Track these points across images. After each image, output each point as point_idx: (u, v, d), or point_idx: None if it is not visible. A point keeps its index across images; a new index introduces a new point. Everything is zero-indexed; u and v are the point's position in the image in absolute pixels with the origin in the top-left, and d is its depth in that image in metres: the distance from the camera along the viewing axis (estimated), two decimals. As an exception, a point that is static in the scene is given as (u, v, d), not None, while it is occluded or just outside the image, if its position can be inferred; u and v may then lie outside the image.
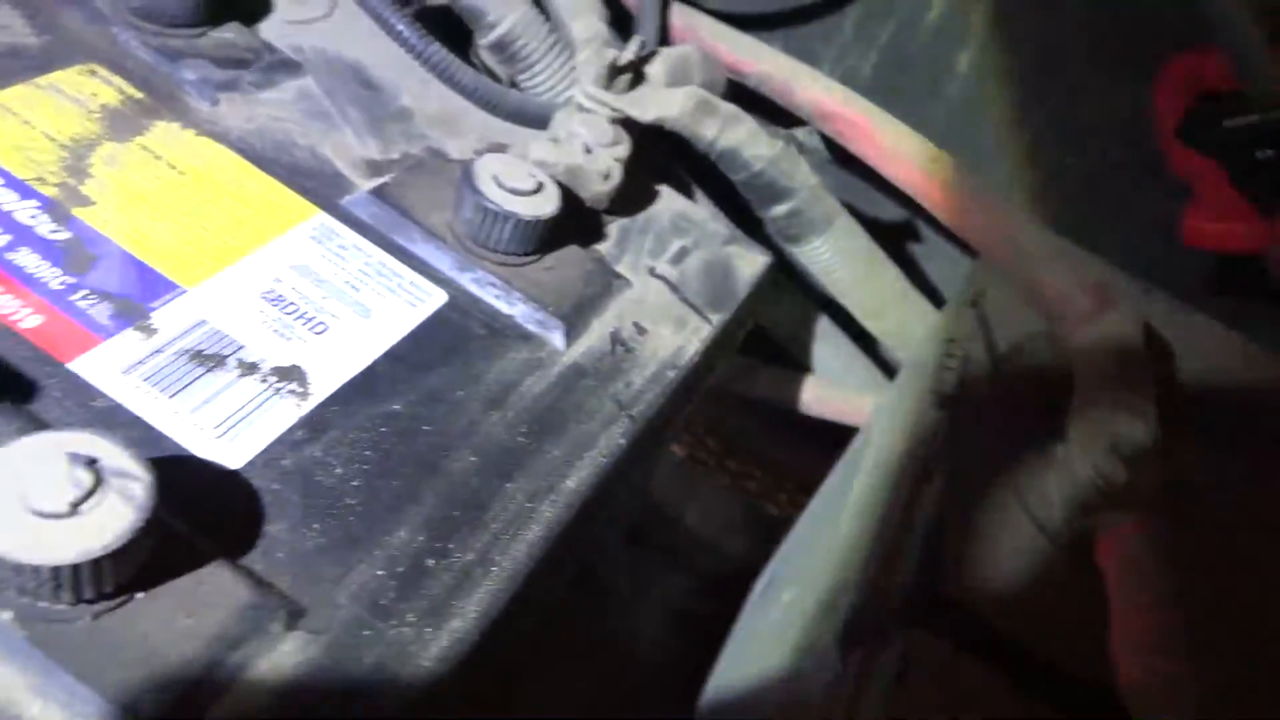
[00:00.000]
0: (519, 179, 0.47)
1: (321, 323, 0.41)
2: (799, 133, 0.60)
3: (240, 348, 0.39)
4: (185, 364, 0.37)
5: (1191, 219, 0.62)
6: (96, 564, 0.27)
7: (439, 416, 0.40)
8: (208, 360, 0.38)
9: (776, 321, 0.75)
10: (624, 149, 0.53)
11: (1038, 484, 0.43)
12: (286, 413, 0.38)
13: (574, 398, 0.44)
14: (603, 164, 0.52)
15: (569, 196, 0.49)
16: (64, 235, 0.39)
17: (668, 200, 0.59)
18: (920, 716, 0.33)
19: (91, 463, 0.28)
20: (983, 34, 0.75)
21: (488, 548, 0.37)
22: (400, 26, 0.53)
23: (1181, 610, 0.38)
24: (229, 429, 0.36)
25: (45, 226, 0.39)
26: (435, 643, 0.34)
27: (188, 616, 0.30)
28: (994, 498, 0.44)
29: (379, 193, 0.47)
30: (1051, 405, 0.45)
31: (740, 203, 0.64)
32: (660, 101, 0.55)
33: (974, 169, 0.60)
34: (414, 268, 0.46)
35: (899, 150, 0.56)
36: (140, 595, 0.30)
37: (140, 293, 0.39)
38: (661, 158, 0.65)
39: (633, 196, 0.56)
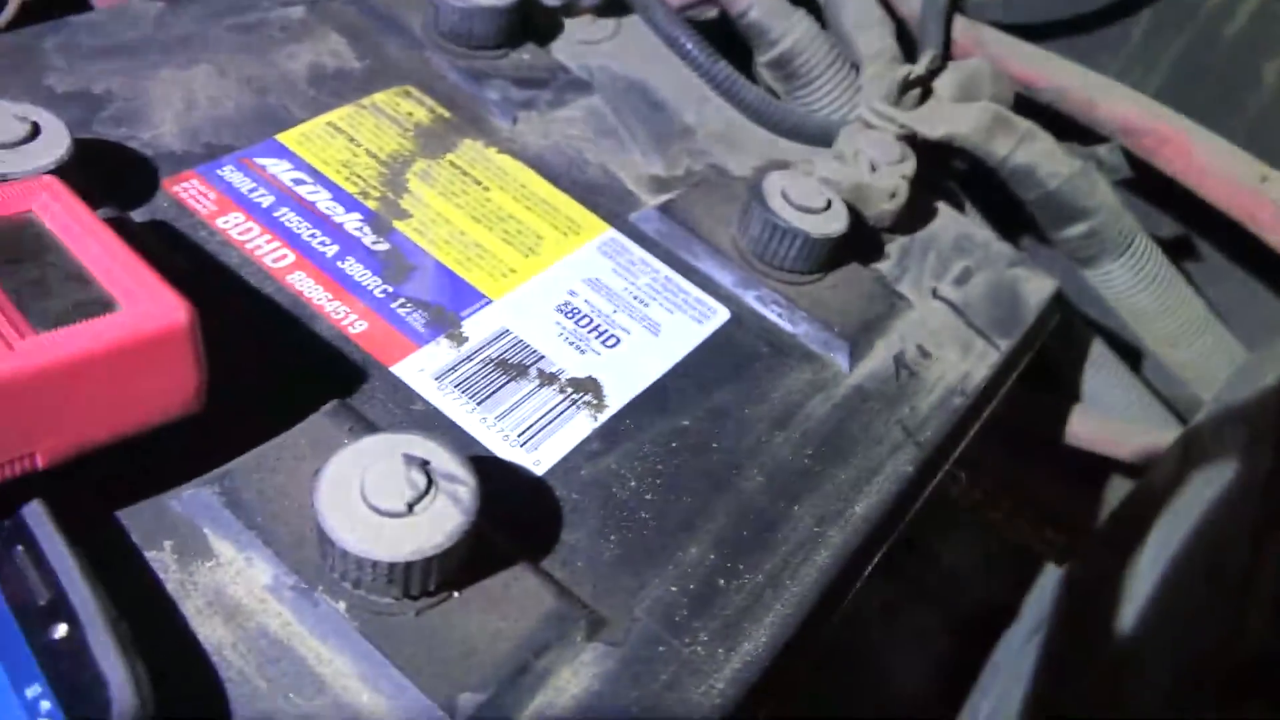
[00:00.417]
0: (808, 196, 0.46)
1: (614, 336, 0.42)
2: (1100, 150, 0.57)
3: (541, 358, 0.40)
4: (491, 372, 0.39)
5: None
6: (428, 563, 0.28)
7: (726, 434, 0.40)
8: (511, 369, 0.39)
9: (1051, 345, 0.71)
10: (910, 166, 0.52)
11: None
12: (583, 423, 0.38)
13: (859, 421, 0.43)
14: (889, 182, 0.50)
15: (853, 215, 0.48)
16: (384, 246, 0.42)
17: (947, 219, 0.57)
18: None
19: (424, 464, 0.29)
20: (1298, 40, 0.68)
21: (778, 571, 0.36)
22: (689, 45, 0.53)
23: None
24: (531, 437, 0.37)
25: (369, 238, 0.42)
26: (728, 664, 0.33)
27: (500, 619, 0.31)
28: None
29: (665, 209, 0.48)
30: None
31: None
32: (951, 118, 0.53)
33: None
34: (698, 284, 0.46)
35: (1222, 169, 0.51)
36: (457, 595, 0.31)
37: (451, 302, 0.41)
38: (941, 175, 0.63)
39: (914, 215, 0.54)
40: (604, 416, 0.39)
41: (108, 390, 0.28)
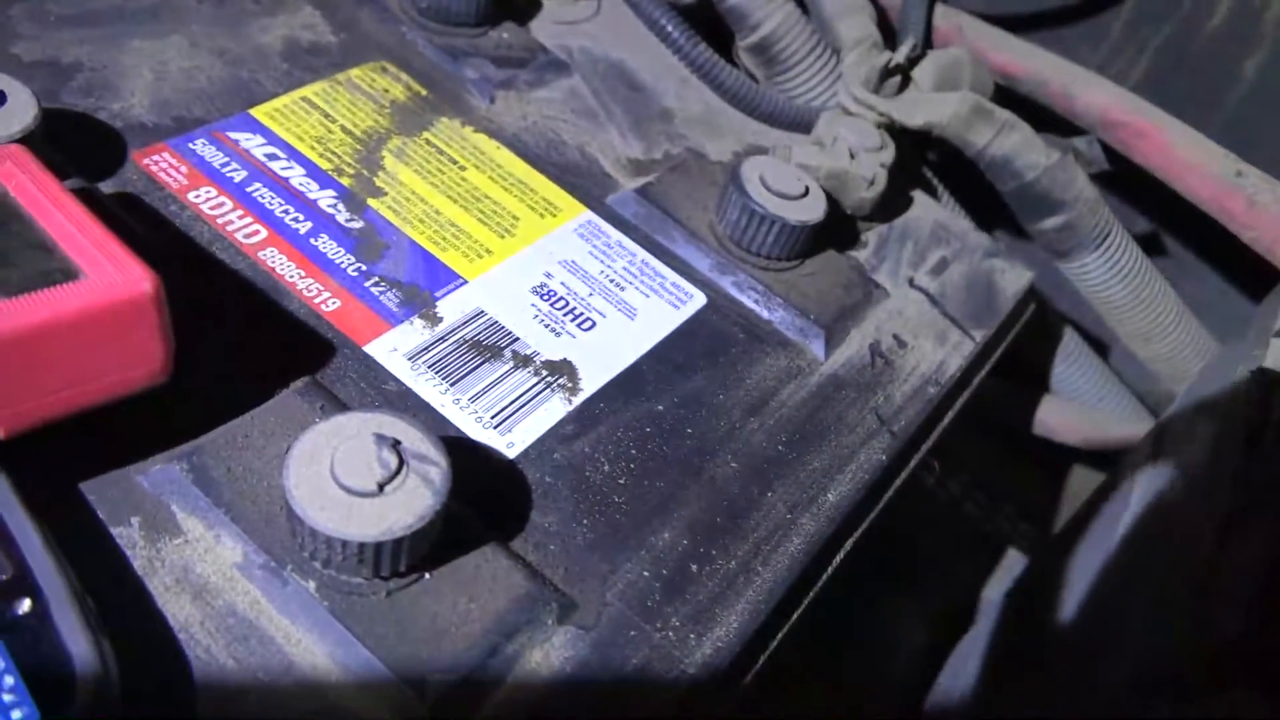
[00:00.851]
0: (786, 182, 0.46)
1: (589, 319, 0.42)
2: (1078, 142, 0.57)
3: (515, 340, 0.40)
4: (465, 353, 0.38)
5: None
6: (398, 543, 0.28)
7: (700, 419, 0.40)
8: (485, 351, 0.39)
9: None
10: (889, 154, 0.52)
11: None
12: (557, 406, 0.38)
13: (834, 409, 0.43)
14: (867, 170, 0.50)
15: (831, 202, 0.48)
16: (358, 224, 0.41)
17: (925, 208, 0.57)
18: None
19: (395, 444, 0.29)
20: (1278, 37, 0.68)
21: (749, 557, 0.36)
22: (670, 27, 0.53)
23: None
24: (504, 419, 0.37)
25: (343, 215, 0.41)
26: (699, 649, 0.33)
27: (471, 601, 0.30)
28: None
29: (643, 192, 0.48)
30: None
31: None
32: (931, 106, 0.53)
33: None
34: (674, 268, 0.46)
35: (1197, 163, 0.52)
36: (428, 576, 0.30)
37: (426, 282, 0.40)
38: (919, 164, 0.63)
39: (891, 204, 0.54)
40: (578, 400, 0.39)
41: (70, 360, 0.27)
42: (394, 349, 0.37)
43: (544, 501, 0.35)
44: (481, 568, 0.31)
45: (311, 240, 0.40)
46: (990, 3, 0.70)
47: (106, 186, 0.39)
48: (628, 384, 0.40)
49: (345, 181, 0.43)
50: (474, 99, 0.50)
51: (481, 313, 0.40)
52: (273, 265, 0.38)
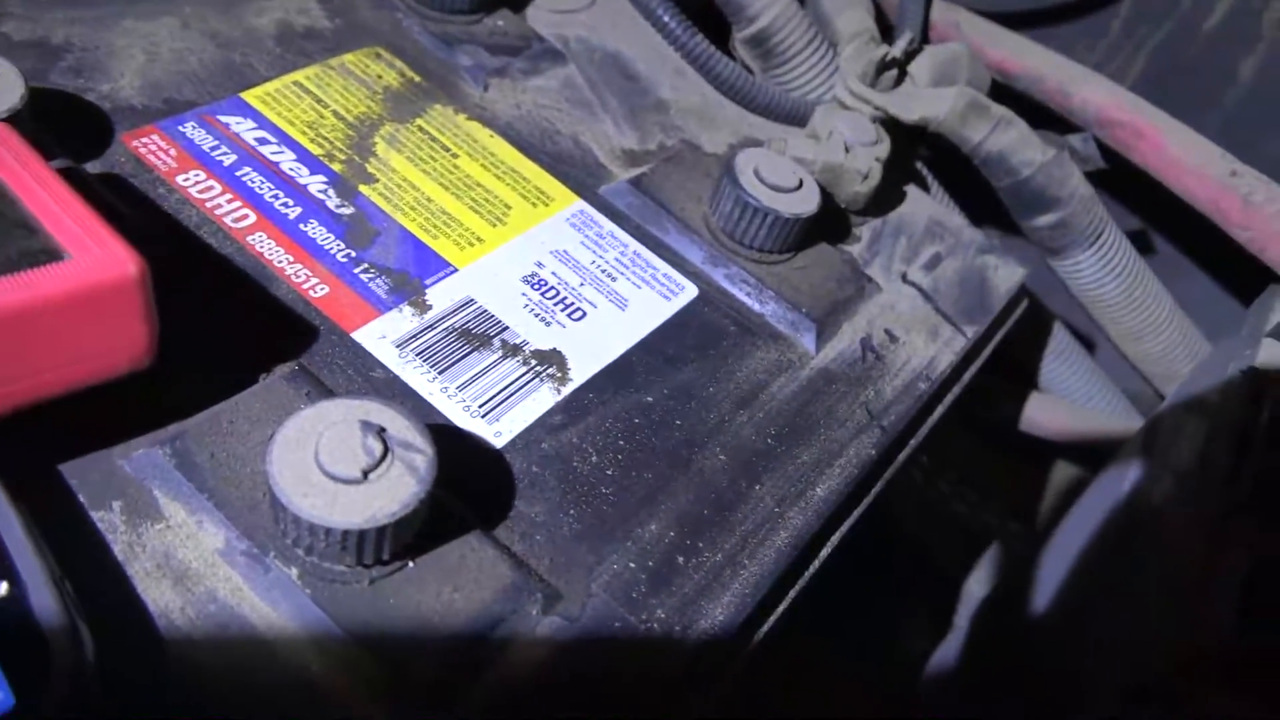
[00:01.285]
0: (780, 175, 0.46)
1: (580, 309, 0.42)
2: (1074, 139, 0.56)
3: (505, 329, 0.39)
4: (454, 341, 0.38)
5: None
6: (382, 531, 0.28)
7: (690, 412, 0.40)
8: (474, 339, 0.39)
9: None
10: (884, 149, 0.51)
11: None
12: (545, 396, 0.38)
13: (824, 403, 0.43)
14: (862, 163, 0.50)
15: (825, 196, 0.48)
16: (349, 210, 0.41)
17: (919, 204, 0.57)
18: None
19: (381, 432, 0.29)
20: (1275, 38, 0.68)
21: (736, 550, 0.36)
22: (666, 17, 0.53)
23: None
24: (492, 408, 0.37)
25: (333, 201, 0.41)
26: (684, 642, 0.33)
27: (455, 590, 0.30)
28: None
29: (636, 183, 0.47)
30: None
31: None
32: (927, 101, 0.52)
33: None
34: (667, 259, 0.46)
35: (1193, 162, 0.51)
36: (412, 564, 0.30)
37: (416, 269, 0.40)
38: (914, 159, 0.63)
39: (885, 198, 0.54)
40: (567, 390, 0.38)
41: (51, 343, 0.27)
42: (382, 336, 0.37)
43: (530, 491, 0.35)
44: (466, 557, 0.31)
45: (301, 226, 0.39)
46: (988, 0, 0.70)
47: (93, 168, 0.38)
48: (617, 375, 0.40)
49: (336, 167, 0.42)
50: (468, 86, 0.50)
51: (471, 301, 0.40)
52: (261, 250, 0.38)
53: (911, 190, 0.57)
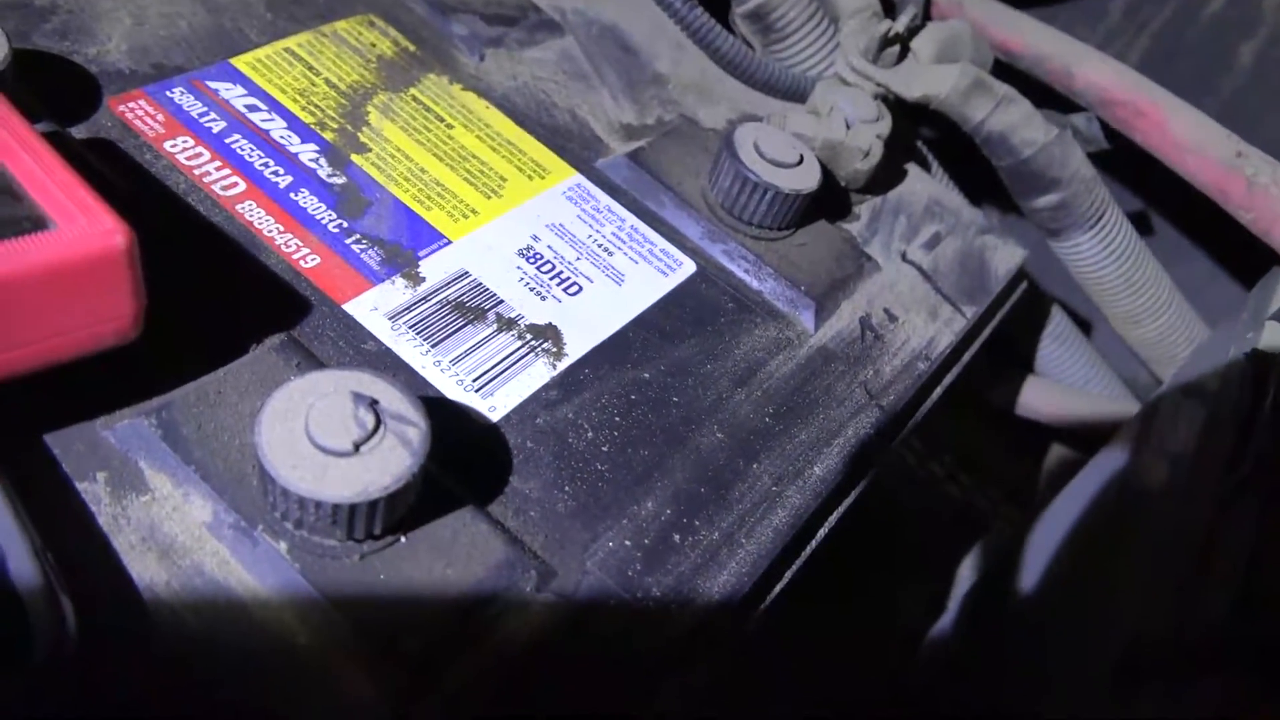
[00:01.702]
0: (780, 150, 0.45)
1: (576, 284, 0.41)
2: (1077, 119, 0.56)
3: (500, 302, 0.39)
4: (448, 314, 0.37)
5: None
6: (373, 505, 0.27)
7: (687, 389, 0.39)
8: (468, 312, 0.38)
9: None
10: (885, 126, 0.51)
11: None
12: (541, 371, 0.37)
13: (822, 382, 0.42)
14: (863, 141, 0.49)
15: (825, 173, 0.47)
16: (340, 180, 0.40)
17: (920, 183, 0.56)
18: None
19: (373, 404, 0.28)
20: (1276, 21, 0.68)
21: (733, 529, 0.36)
22: (666, -11, 0.52)
23: None
24: (487, 382, 0.36)
25: (324, 170, 0.40)
26: (679, 621, 0.33)
27: (448, 566, 0.30)
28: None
29: (634, 157, 0.47)
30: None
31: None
32: (929, 78, 0.52)
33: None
34: (664, 235, 0.45)
35: (1197, 143, 0.51)
36: (404, 539, 0.30)
37: (409, 241, 0.39)
38: (914, 137, 0.62)
39: (886, 176, 0.54)
40: (563, 365, 0.38)
41: (36, 314, 0.26)
42: (374, 308, 0.36)
43: (525, 467, 0.34)
44: (459, 532, 0.31)
45: (291, 195, 0.39)
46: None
47: (79, 132, 0.37)
48: (614, 351, 0.39)
49: (328, 136, 0.42)
50: (463, 56, 0.49)
51: (465, 274, 0.39)
52: (250, 219, 0.37)
53: (912, 169, 0.57)
